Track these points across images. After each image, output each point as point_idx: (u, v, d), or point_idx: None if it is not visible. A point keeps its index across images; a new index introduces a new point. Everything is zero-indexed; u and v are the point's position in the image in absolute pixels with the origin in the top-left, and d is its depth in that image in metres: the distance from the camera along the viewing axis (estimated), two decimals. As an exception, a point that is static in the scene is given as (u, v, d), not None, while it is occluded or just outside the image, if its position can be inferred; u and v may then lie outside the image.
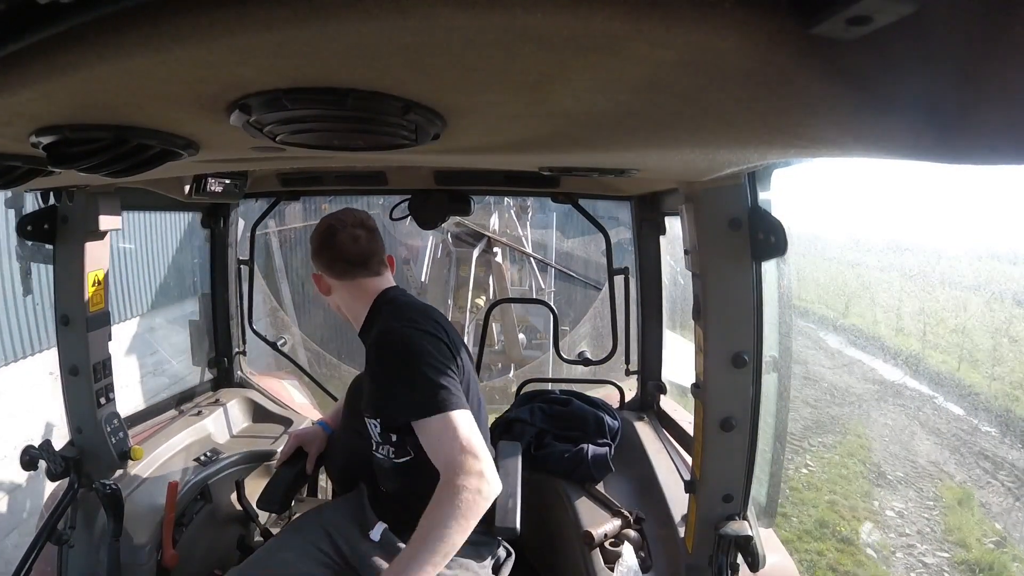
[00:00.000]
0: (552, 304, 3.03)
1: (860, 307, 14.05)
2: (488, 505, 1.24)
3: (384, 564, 1.44)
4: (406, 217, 2.19)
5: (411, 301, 1.58)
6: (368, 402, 1.46)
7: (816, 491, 6.21)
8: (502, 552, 1.58)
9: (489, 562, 1.52)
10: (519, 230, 6.62)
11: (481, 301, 5.57)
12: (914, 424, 8.19)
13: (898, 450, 7.49)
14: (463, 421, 1.29)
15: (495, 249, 5.74)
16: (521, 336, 6.66)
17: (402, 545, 1.41)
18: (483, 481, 1.23)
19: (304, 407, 2.68)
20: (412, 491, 1.46)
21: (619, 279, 2.33)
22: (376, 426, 1.47)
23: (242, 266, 2.50)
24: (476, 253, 5.41)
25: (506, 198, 5.71)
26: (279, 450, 2.21)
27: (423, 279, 6.24)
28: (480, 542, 1.50)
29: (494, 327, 6.24)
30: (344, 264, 1.55)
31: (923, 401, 8.95)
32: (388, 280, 1.61)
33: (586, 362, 2.52)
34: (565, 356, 2.66)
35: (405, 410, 1.33)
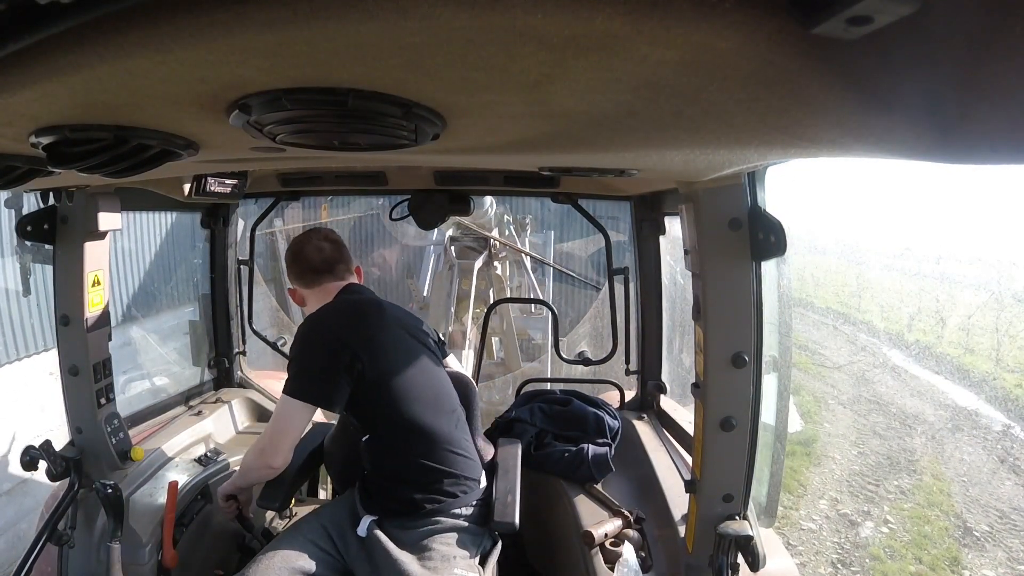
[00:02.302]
0: (551, 305, 3.03)
1: (925, 323, 12.73)
2: (266, 474, 1.60)
3: (366, 558, 1.50)
4: (406, 217, 2.19)
5: (353, 298, 1.65)
6: None
7: (900, 559, 5.43)
8: (488, 543, 1.60)
9: (475, 552, 1.54)
10: (517, 245, 6.65)
11: (480, 310, 5.60)
12: (992, 460, 7.41)
13: (979, 493, 6.68)
14: (294, 411, 1.49)
15: (495, 263, 5.77)
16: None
17: (383, 538, 1.48)
18: (269, 459, 1.53)
19: None
20: (382, 471, 1.55)
21: (618, 279, 2.33)
22: None
23: (242, 266, 2.51)
24: (478, 265, 5.42)
25: (505, 216, 5.76)
26: None
27: (425, 293, 6.30)
28: (468, 531, 1.53)
29: (493, 342, 6.29)
30: (312, 273, 1.67)
31: (999, 431, 8.10)
32: (352, 280, 1.70)
33: (586, 362, 2.52)
34: (565, 356, 2.66)
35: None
